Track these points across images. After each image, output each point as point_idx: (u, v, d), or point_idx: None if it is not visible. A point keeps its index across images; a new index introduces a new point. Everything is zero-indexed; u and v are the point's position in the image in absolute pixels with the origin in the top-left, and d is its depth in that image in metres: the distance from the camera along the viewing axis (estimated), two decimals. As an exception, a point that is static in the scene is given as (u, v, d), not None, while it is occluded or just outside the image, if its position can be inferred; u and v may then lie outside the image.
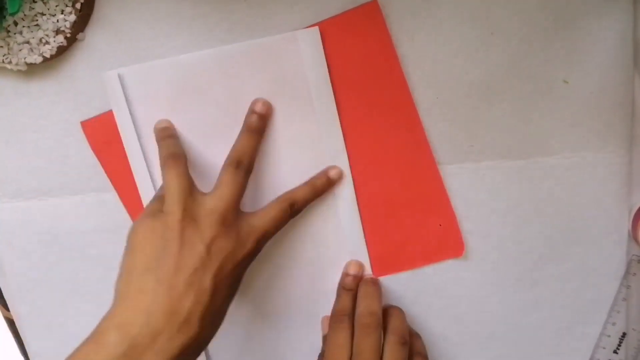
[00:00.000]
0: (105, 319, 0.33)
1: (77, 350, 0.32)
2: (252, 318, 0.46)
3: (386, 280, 0.44)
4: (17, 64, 0.39)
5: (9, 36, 0.38)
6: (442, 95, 0.39)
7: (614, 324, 0.42)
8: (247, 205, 0.43)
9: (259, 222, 0.37)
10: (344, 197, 0.42)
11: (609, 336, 0.42)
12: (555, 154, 0.40)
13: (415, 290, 0.44)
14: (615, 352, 0.42)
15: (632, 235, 0.40)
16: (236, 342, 0.46)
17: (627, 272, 0.41)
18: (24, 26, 0.38)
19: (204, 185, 0.39)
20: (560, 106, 0.39)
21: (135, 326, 0.32)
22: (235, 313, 0.45)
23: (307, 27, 0.38)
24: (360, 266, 0.42)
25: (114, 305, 0.34)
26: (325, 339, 0.41)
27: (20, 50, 0.38)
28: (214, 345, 0.46)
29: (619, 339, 0.42)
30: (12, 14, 0.37)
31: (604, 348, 0.43)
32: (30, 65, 0.39)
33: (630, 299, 0.41)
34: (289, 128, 0.41)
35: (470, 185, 0.41)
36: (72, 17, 0.38)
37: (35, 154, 0.43)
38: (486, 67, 0.38)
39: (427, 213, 0.42)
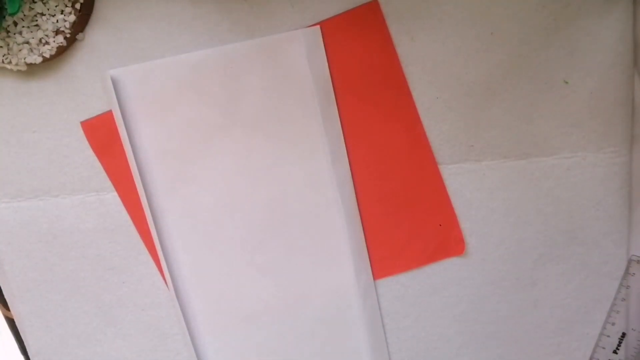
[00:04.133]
0: None
1: None
2: (251, 318, 0.46)
3: (386, 281, 0.44)
4: (17, 64, 0.39)
5: (9, 36, 0.38)
6: (442, 95, 0.39)
7: (613, 324, 0.42)
8: (248, 203, 0.43)
9: None
10: (344, 197, 0.42)
11: (608, 336, 0.42)
12: (555, 154, 0.40)
13: (415, 290, 0.44)
14: (615, 352, 0.42)
15: None
16: (234, 342, 0.46)
17: (627, 273, 0.41)
18: (23, 26, 0.38)
19: (202, 185, 0.39)
20: (560, 106, 0.39)
21: None
22: (234, 313, 0.46)
23: (308, 27, 0.38)
24: None
25: None
26: None
27: (20, 50, 0.38)
28: (209, 346, 0.46)
29: (619, 339, 0.42)
30: (12, 14, 0.37)
31: (603, 348, 0.43)
32: (30, 65, 0.39)
33: (630, 299, 0.41)
34: (289, 127, 0.41)
35: (470, 185, 0.41)
36: (72, 18, 0.38)
37: (35, 154, 0.43)
38: (486, 67, 0.38)
39: (427, 213, 0.42)
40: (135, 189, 0.42)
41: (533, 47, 0.37)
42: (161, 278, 0.45)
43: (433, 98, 0.39)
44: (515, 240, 0.42)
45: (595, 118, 0.38)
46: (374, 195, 0.42)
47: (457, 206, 0.42)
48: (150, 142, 0.41)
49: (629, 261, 0.41)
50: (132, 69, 0.40)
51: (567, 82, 0.38)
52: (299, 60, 0.39)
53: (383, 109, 0.40)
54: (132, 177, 0.42)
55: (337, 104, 0.40)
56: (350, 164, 0.41)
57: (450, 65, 0.38)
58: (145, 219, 0.43)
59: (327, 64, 0.39)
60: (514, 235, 0.42)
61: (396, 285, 0.44)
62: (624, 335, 0.42)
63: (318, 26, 0.38)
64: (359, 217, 0.42)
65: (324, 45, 0.39)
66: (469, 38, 0.38)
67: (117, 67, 0.40)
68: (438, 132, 0.40)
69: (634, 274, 0.41)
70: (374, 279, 0.44)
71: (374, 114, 0.40)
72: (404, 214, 0.42)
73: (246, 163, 0.42)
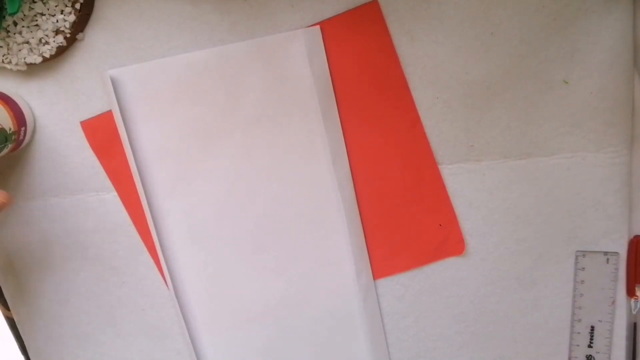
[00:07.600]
0: None
1: None
2: (251, 318, 0.46)
3: (386, 281, 0.44)
4: (17, 64, 0.39)
5: (9, 36, 0.38)
6: (442, 95, 0.39)
7: (579, 320, 0.42)
8: (248, 203, 0.43)
9: None
10: (344, 197, 0.42)
11: (578, 333, 0.43)
12: (555, 154, 0.40)
13: (415, 290, 0.44)
14: (589, 346, 0.43)
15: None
16: (234, 342, 0.46)
17: (576, 269, 0.41)
18: (23, 26, 0.38)
19: (202, 185, 0.39)
20: (560, 106, 0.39)
21: None
22: (234, 313, 0.46)
23: (308, 27, 0.38)
24: None
25: None
26: None
27: (20, 50, 0.38)
28: (209, 346, 0.46)
29: (589, 333, 0.42)
30: (12, 14, 0.37)
31: (578, 345, 0.43)
32: (30, 65, 0.39)
33: (588, 293, 0.41)
34: (289, 127, 0.41)
35: (470, 185, 0.41)
36: (72, 17, 0.38)
37: (35, 154, 0.43)
38: (486, 67, 0.38)
39: (427, 213, 0.42)
40: (135, 189, 0.42)
41: (533, 47, 0.37)
42: (161, 278, 0.45)
43: (433, 98, 0.39)
44: (515, 240, 0.42)
45: (595, 118, 0.38)
46: (374, 195, 0.42)
47: (457, 206, 0.42)
48: (150, 142, 0.41)
49: (576, 257, 0.41)
50: (131, 69, 0.40)
51: (567, 82, 0.38)
52: (299, 60, 0.39)
53: (383, 109, 0.40)
54: (132, 177, 0.42)
55: (337, 104, 0.40)
56: (350, 164, 0.41)
57: (450, 65, 0.38)
58: (145, 219, 0.43)
59: (327, 64, 0.39)
60: (514, 235, 0.42)
61: (396, 285, 0.44)
62: (592, 328, 0.42)
63: (318, 26, 0.38)
64: (359, 217, 0.42)
65: (324, 45, 0.39)
66: (469, 38, 0.38)
67: (117, 67, 0.40)
68: (438, 132, 0.40)
69: (583, 268, 0.41)
70: (374, 279, 0.44)
71: (374, 114, 0.40)
72: (404, 214, 0.42)
73: (246, 163, 0.42)
